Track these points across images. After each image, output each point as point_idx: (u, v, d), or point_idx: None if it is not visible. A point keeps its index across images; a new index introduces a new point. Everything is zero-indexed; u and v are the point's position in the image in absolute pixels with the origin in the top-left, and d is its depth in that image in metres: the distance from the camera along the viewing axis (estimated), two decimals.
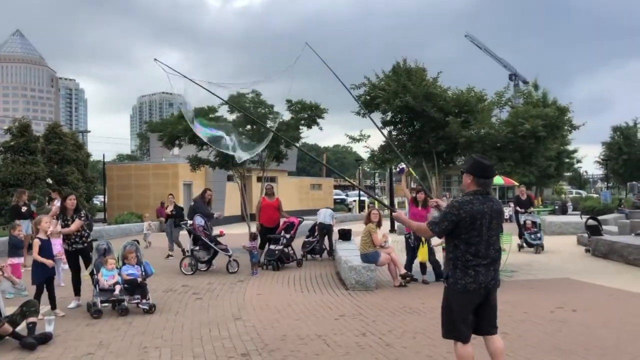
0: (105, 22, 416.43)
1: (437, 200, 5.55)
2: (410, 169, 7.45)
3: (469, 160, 4.58)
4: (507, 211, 23.77)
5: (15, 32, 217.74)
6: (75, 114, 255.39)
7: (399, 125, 11.33)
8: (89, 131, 47.94)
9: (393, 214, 5.07)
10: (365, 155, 16.19)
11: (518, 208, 15.91)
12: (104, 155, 36.75)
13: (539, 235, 15.00)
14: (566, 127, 10.63)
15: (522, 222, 15.38)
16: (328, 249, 14.40)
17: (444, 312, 4.46)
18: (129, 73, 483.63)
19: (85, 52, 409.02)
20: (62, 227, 8.30)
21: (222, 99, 8.22)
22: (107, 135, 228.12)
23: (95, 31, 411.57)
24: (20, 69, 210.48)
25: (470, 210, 4.26)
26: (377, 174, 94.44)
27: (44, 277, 7.66)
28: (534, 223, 15.22)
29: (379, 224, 10.46)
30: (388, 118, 11.09)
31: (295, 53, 8.44)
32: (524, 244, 15.13)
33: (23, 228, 12.79)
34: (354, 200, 49.28)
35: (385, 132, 15.35)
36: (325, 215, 14.56)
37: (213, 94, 7.42)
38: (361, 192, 52.22)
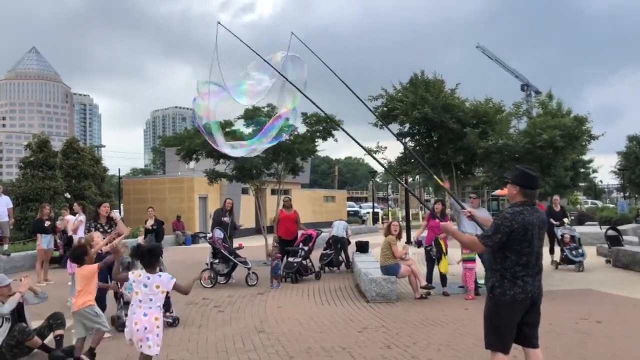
0: (116, 37, 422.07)
1: (471, 210, 5.52)
2: (440, 182, 7.42)
3: (514, 171, 4.57)
4: None
5: (31, 49, 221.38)
6: (90, 129, 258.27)
7: (417, 137, 11.36)
8: (104, 146, 48.58)
9: (442, 224, 5.06)
10: (381, 167, 16.13)
11: (552, 220, 13.79)
12: (119, 170, 37.23)
13: (580, 250, 13.32)
14: (585, 137, 10.60)
15: (559, 237, 13.64)
16: (345, 261, 14.39)
17: (488, 323, 4.39)
18: (142, 88, 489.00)
19: (98, 67, 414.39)
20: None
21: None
22: (121, 149, 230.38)
23: (108, 47, 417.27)
24: (36, 85, 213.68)
25: (522, 221, 4.25)
26: (390, 186, 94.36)
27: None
28: (572, 237, 13.55)
29: (399, 236, 10.48)
30: (406, 129, 11.13)
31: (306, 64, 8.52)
32: (562, 261, 13.53)
33: (45, 242, 13.00)
34: (368, 212, 49.20)
35: (404, 143, 15.47)
36: (338, 228, 14.51)
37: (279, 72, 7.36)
38: (375, 204, 52.11)
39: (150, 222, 14.29)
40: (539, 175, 4.85)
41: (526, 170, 4.48)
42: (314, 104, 6.22)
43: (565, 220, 14.32)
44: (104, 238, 8.34)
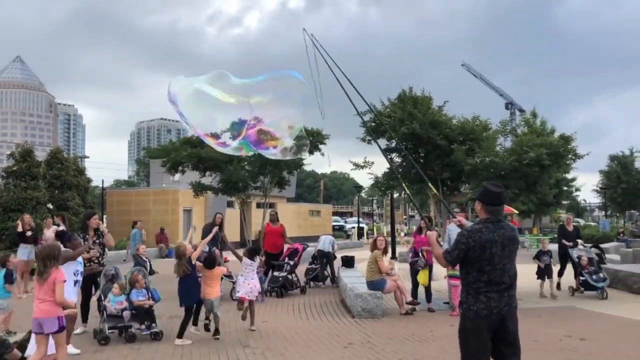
0: (101, 48, 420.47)
1: (460, 219, 5.54)
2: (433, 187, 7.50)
3: (480, 188, 4.61)
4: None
5: (15, 58, 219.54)
6: (74, 140, 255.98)
7: (404, 153, 11.43)
8: (88, 157, 47.98)
9: (429, 232, 5.06)
10: (367, 182, 16.10)
11: (564, 241, 12.62)
12: (103, 181, 36.81)
13: (601, 275, 11.86)
14: (570, 156, 10.73)
15: (575, 259, 12.32)
16: (330, 276, 14.33)
17: (460, 338, 4.45)
18: (127, 99, 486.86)
19: (83, 78, 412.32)
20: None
21: None
22: (104, 160, 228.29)
23: (92, 57, 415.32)
24: (20, 94, 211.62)
25: (479, 239, 4.27)
26: (375, 201, 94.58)
27: (195, 300, 7.94)
28: (590, 260, 12.11)
29: (384, 251, 10.48)
30: (393, 145, 11.20)
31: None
32: (580, 287, 12.14)
33: (25, 253, 12.79)
34: (353, 227, 49.19)
35: (389, 158, 15.54)
36: (324, 243, 14.43)
37: None
38: (360, 219, 52.11)
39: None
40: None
41: (490, 187, 4.48)
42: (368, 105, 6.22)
43: (579, 241, 12.88)
44: (91, 249, 8.28)
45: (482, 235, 4.28)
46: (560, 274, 12.79)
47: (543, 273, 11.96)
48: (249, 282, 8.77)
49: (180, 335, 7.75)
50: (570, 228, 12.90)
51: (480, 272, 4.28)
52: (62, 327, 5.64)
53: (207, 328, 8.18)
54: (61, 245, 6.53)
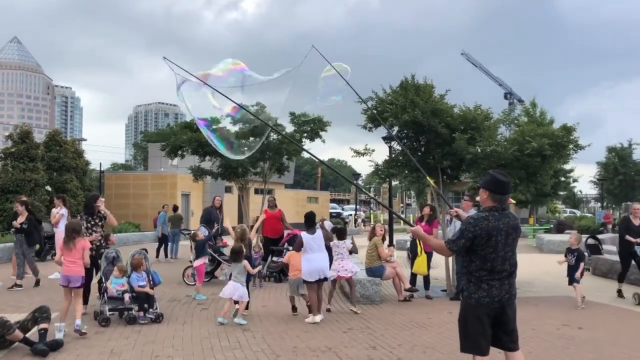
0: (98, 30, 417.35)
1: (457, 210, 5.56)
2: (431, 181, 7.52)
3: (485, 176, 4.59)
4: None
5: (12, 38, 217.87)
6: (71, 122, 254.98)
7: (405, 141, 11.41)
8: (85, 139, 47.66)
9: (411, 229, 5.00)
10: (366, 169, 16.07)
11: (629, 237, 10.22)
12: (100, 164, 36.58)
13: None
14: (571, 147, 10.73)
15: None
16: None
17: (460, 326, 4.48)
18: (124, 83, 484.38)
19: (79, 60, 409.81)
20: (88, 228, 8.31)
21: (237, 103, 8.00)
22: (102, 144, 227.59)
23: (90, 40, 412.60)
24: (17, 75, 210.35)
25: (485, 227, 4.29)
26: (372, 189, 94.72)
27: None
28: None
29: (383, 238, 10.52)
30: (394, 132, 11.17)
31: (289, 66, 8.48)
32: None
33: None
34: (350, 215, 49.29)
35: (390, 146, 15.53)
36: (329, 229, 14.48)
37: (226, 96, 7.41)
38: (357, 206, 52.22)
39: (21, 220, 11.37)
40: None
41: (496, 175, 4.48)
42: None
43: None
44: (94, 232, 8.32)
45: (488, 223, 4.30)
46: (622, 278, 10.74)
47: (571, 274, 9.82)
48: (339, 262, 9.07)
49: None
50: (637, 222, 10.31)
51: (484, 261, 4.31)
52: (83, 284, 7.38)
53: (294, 309, 8.81)
54: (82, 222, 8.03)
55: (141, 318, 7.84)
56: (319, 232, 8.68)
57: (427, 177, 6.94)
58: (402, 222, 45.43)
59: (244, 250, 8.47)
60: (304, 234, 8.56)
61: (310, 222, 8.79)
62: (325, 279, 8.54)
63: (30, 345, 6.19)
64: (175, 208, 18.88)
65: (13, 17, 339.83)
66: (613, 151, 46.65)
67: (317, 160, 6.04)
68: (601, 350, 6.68)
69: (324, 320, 8.25)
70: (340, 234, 9.48)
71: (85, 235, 7.90)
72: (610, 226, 28.38)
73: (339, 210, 56.96)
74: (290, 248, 12.86)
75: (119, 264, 8.23)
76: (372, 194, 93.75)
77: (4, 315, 6.61)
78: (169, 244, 17.66)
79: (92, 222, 8.39)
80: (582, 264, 9.82)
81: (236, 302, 8.04)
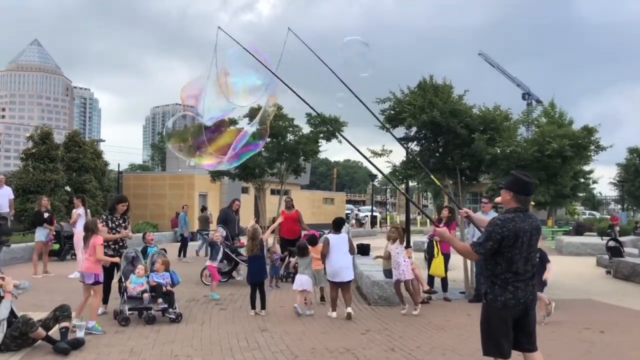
0: (115, 32, 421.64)
1: (467, 210, 5.49)
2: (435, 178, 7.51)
3: (508, 177, 4.55)
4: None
5: (33, 41, 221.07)
6: (89, 123, 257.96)
7: (423, 141, 11.34)
8: (104, 140, 48.23)
9: (437, 230, 4.79)
10: (383, 170, 15.94)
11: None
12: (119, 165, 36.98)
13: None
14: (592, 148, 10.59)
15: None
16: None
17: (483, 329, 4.42)
18: (141, 83, 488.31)
19: (97, 62, 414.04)
20: (112, 228, 8.35)
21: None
22: (120, 145, 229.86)
23: (107, 41, 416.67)
24: (37, 77, 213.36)
25: (513, 227, 4.24)
26: (388, 190, 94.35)
27: (261, 278, 8.82)
28: None
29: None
30: (412, 133, 11.11)
31: (303, 67, 8.51)
32: None
33: (44, 234, 12.94)
34: (366, 216, 49.11)
35: (406, 147, 15.42)
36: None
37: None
38: (373, 207, 52.08)
39: None
40: (535, 181, 4.83)
41: (520, 176, 4.43)
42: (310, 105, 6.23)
43: None
44: (117, 232, 8.38)
45: (515, 224, 4.25)
46: None
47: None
48: (395, 267, 9.29)
49: (253, 306, 8.68)
50: None
51: (510, 263, 4.26)
52: (97, 281, 7.39)
53: (322, 299, 9.70)
54: (98, 220, 8.00)
55: (158, 309, 7.97)
56: (343, 235, 8.86)
57: (432, 176, 6.90)
58: (418, 223, 45.34)
59: (255, 248, 8.73)
60: (330, 235, 8.91)
61: (337, 226, 8.98)
62: (346, 282, 8.67)
63: (52, 344, 6.26)
64: (202, 208, 19.13)
65: (33, 19, 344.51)
66: (634, 152, 45.95)
67: (356, 150, 6.03)
68: (623, 355, 6.58)
69: (342, 322, 8.24)
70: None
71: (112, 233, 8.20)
72: (617, 228, 27.87)
73: (347, 212, 56.34)
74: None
75: (139, 263, 8.28)
76: (388, 196, 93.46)
77: (27, 313, 6.70)
78: (198, 243, 18.01)
79: (117, 223, 8.44)
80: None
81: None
